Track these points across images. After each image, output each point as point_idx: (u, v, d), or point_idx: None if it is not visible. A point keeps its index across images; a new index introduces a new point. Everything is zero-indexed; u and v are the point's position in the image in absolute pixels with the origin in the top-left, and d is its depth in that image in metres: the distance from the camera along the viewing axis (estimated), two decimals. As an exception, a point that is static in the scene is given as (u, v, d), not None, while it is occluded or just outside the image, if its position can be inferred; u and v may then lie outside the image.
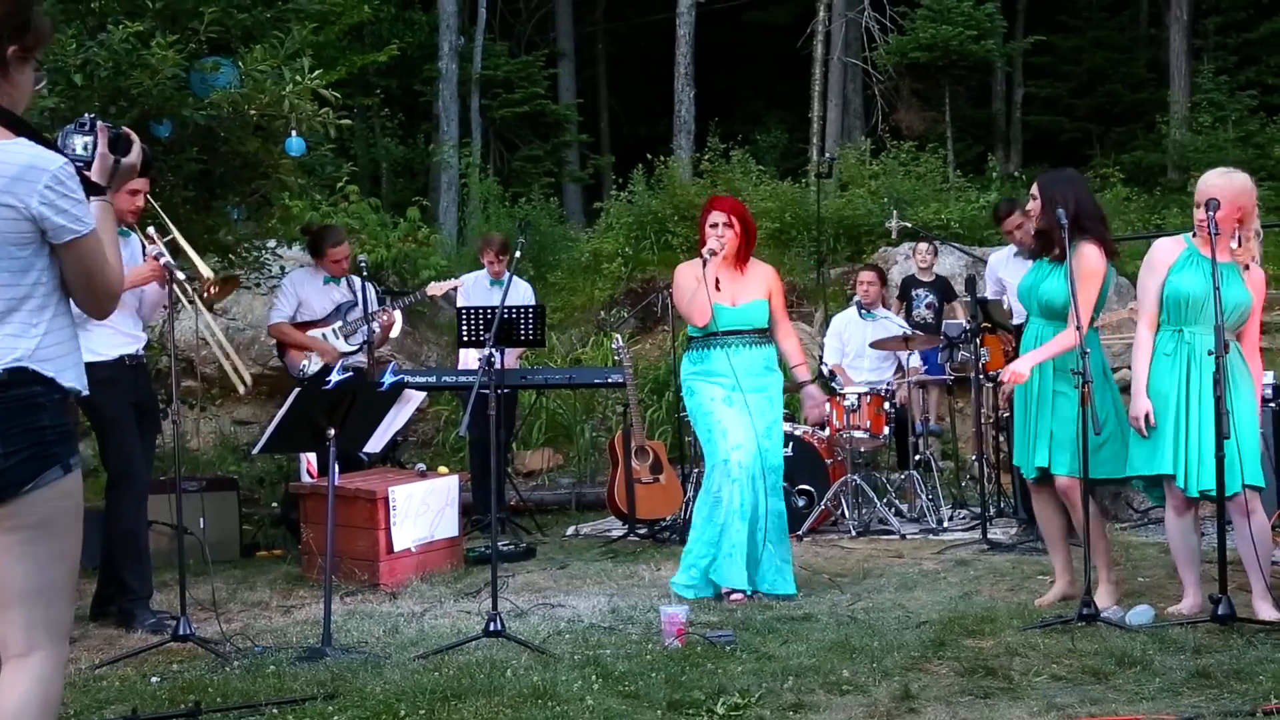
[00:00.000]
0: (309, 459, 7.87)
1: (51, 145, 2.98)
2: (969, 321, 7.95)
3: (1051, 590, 5.81)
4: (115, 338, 5.85)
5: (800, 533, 7.84)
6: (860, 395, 8.35)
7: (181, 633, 5.20)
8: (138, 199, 5.72)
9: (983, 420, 8.23)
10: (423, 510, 6.95)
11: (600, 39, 25.62)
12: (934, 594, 6.08)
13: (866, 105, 20.93)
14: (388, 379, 5.88)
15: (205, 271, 5.99)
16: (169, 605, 6.05)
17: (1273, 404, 6.80)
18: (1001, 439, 8.10)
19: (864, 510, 8.23)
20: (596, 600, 6.13)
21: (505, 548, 7.41)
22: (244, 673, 4.79)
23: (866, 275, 9.48)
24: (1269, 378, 6.64)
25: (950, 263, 11.97)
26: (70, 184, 2.90)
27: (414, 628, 5.63)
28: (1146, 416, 5.26)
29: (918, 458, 8.85)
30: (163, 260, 5.71)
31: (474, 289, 8.91)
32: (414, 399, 5.74)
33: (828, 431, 8.49)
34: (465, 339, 7.94)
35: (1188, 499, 5.31)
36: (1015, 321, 7.58)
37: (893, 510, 8.32)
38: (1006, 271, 8.20)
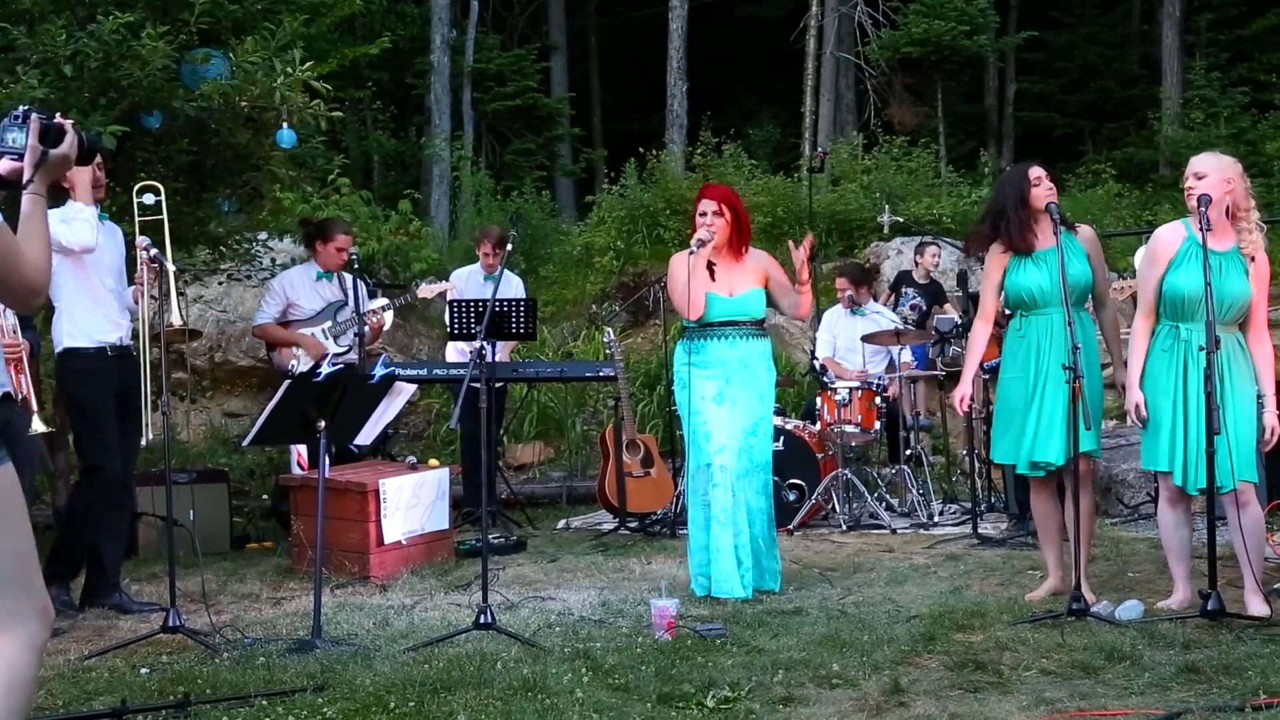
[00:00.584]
0: (299, 451, 7.85)
1: None
2: (960, 316, 7.96)
3: (1042, 585, 5.81)
4: (100, 323, 5.83)
5: (791, 527, 7.85)
6: (852, 390, 8.36)
7: (171, 624, 5.19)
8: (96, 174, 5.73)
9: (973, 415, 8.23)
10: (413, 503, 6.94)
11: (593, 33, 25.60)
12: (924, 588, 6.08)
13: (859, 100, 20.93)
14: (378, 371, 5.88)
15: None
16: (159, 597, 6.05)
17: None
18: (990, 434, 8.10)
19: (854, 505, 8.24)
20: (587, 593, 6.13)
21: (496, 541, 7.41)
22: (234, 664, 4.78)
23: (840, 283, 9.65)
24: None
25: (942, 258, 11.97)
26: None
27: (404, 620, 5.62)
28: (1138, 409, 5.28)
29: (909, 452, 8.85)
30: (153, 252, 5.70)
31: (465, 285, 8.86)
32: (405, 391, 5.72)
33: (819, 426, 8.50)
34: (455, 331, 7.92)
35: (1182, 494, 5.32)
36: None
37: (883, 505, 8.33)
38: None
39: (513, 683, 4.36)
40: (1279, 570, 6.04)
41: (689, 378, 6.09)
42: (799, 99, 20.19)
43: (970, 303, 7.88)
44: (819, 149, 16.22)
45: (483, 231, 9.49)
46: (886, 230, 13.03)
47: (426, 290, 8.60)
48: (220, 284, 10.59)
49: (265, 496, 9.32)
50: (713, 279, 6.06)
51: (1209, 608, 4.97)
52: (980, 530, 7.57)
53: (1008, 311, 5.91)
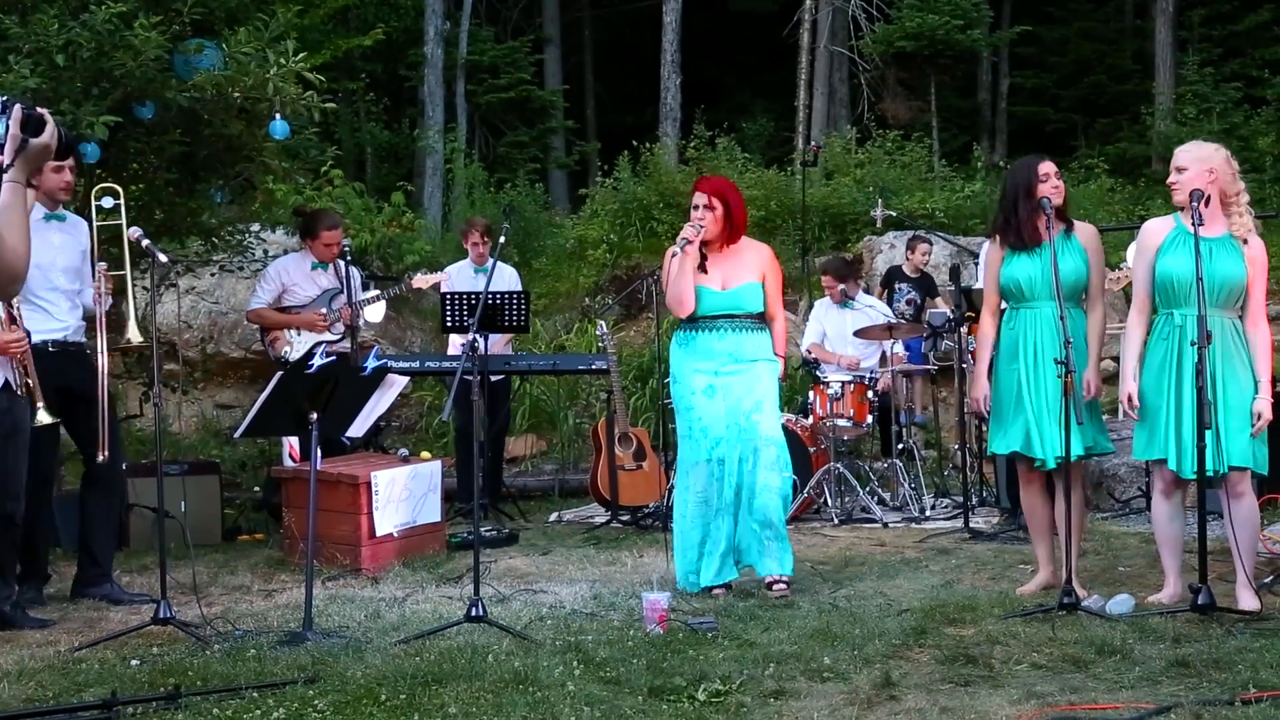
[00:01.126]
0: (291, 443, 7.84)
1: None
2: (953, 311, 7.97)
3: (1033, 579, 5.82)
4: (41, 319, 5.71)
5: (783, 520, 7.84)
6: (844, 384, 8.36)
7: (162, 616, 5.18)
8: (64, 175, 5.70)
9: (965, 410, 8.24)
10: (405, 495, 6.94)
11: (587, 25, 25.56)
12: (915, 582, 6.09)
13: (852, 94, 20.92)
14: (371, 364, 5.87)
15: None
16: (150, 588, 6.04)
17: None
18: (984, 428, 8.10)
19: (846, 498, 8.25)
20: (578, 586, 6.13)
21: (488, 533, 7.41)
22: (224, 656, 4.78)
23: (825, 280, 9.62)
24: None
25: (935, 252, 11.98)
26: None
27: (395, 613, 5.62)
28: (1130, 400, 5.30)
29: (901, 446, 8.86)
30: (145, 244, 5.67)
31: (459, 278, 8.82)
32: (397, 384, 5.71)
33: (811, 419, 8.50)
34: (449, 324, 7.90)
35: (1177, 480, 5.33)
36: None
37: (875, 499, 8.34)
38: None
39: (504, 675, 4.36)
40: (1270, 564, 6.06)
41: (681, 372, 6.05)
42: (792, 93, 20.19)
43: (963, 297, 7.89)
44: (812, 143, 16.21)
45: (468, 223, 9.45)
46: (879, 224, 13.05)
47: (421, 281, 8.57)
48: (212, 275, 10.58)
49: (257, 488, 9.31)
50: (704, 271, 5.98)
51: (1199, 602, 4.97)
52: (972, 524, 7.58)
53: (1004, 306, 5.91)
